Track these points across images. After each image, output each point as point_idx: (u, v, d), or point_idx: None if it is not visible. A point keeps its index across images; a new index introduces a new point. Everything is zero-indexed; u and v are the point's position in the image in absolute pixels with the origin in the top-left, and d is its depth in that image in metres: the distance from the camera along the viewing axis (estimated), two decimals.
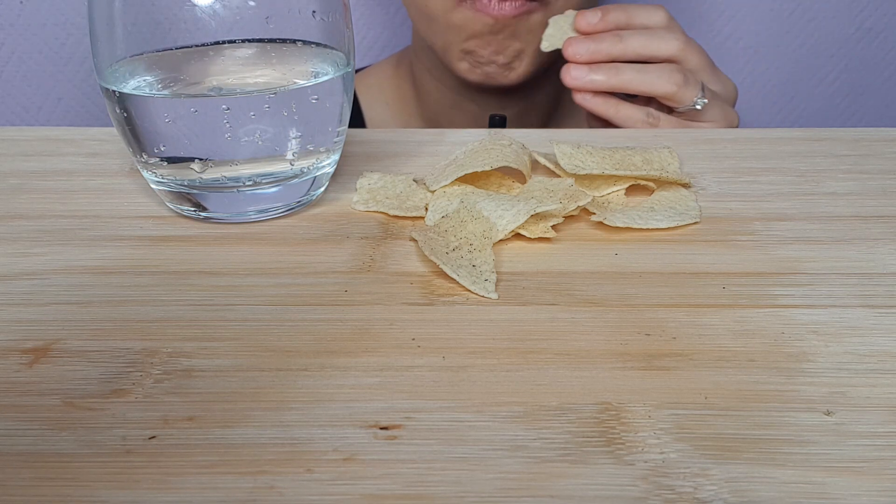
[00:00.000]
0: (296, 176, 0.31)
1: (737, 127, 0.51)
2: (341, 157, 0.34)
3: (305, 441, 0.20)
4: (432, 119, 0.67)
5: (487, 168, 0.32)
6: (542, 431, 0.20)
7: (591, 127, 0.54)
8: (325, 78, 0.30)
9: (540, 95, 0.64)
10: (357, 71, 0.71)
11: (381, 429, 0.20)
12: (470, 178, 0.33)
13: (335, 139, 0.32)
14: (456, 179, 0.33)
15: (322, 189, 0.34)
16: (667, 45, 0.48)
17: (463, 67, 0.57)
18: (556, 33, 0.50)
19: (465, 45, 0.56)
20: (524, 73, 0.57)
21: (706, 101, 0.48)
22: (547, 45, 0.51)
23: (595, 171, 0.33)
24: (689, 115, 0.50)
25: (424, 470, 0.19)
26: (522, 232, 0.30)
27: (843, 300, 0.26)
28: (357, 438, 0.20)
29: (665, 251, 0.29)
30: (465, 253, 0.28)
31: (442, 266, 0.27)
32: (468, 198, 0.31)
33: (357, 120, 0.68)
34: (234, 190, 0.30)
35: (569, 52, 0.48)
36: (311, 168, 0.32)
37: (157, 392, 0.22)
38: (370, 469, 0.19)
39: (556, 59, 0.57)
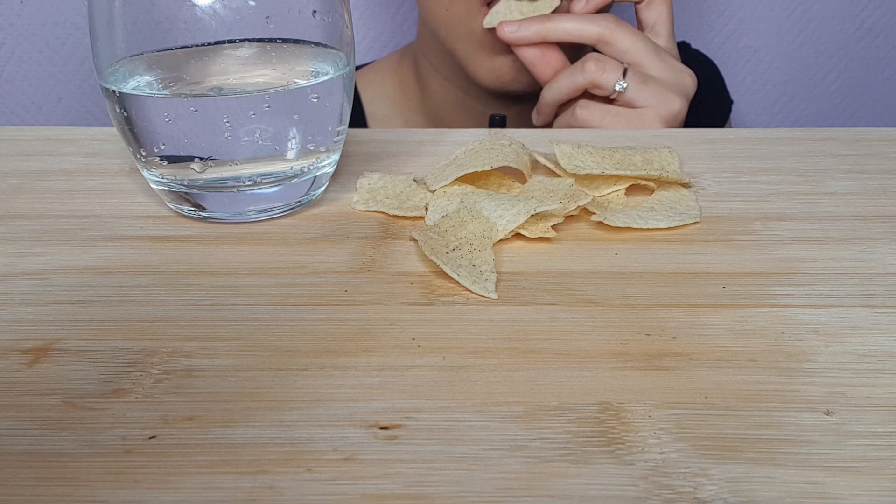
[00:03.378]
0: (296, 176, 0.31)
1: (678, 115, 0.50)
2: (341, 156, 0.34)
3: (305, 441, 0.20)
4: (435, 116, 0.67)
5: (487, 168, 0.32)
6: (542, 431, 0.20)
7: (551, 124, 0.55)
8: (325, 78, 0.30)
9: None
10: (358, 67, 0.71)
11: (381, 429, 0.20)
12: (470, 178, 0.33)
13: (335, 139, 0.32)
14: (456, 179, 0.33)
15: (322, 189, 0.34)
16: (595, 27, 0.49)
17: (484, 78, 0.58)
18: (503, 10, 0.52)
19: (491, 64, 0.56)
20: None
21: (626, 84, 0.49)
22: (488, 21, 0.52)
23: (595, 171, 0.33)
24: (620, 101, 0.50)
25: (424, 470, 0.19)
26: (522, 232, 0.30)
27: (844, 300, 0.26)
28: (357, 438, 0.20)
29: (665, 251, 0.29)
30: (465, 253, 0.28)
31: (442, 266, 0.27)
32: (468, 198, 0.31)
33: (358, 116, 0.68)
34: (234, 190, 0.31)
35: (500, 31, 0.51)
36: (311, 168, 0.32)
37: (157, 392, 0.22)
38: (370, 469, 0.19)
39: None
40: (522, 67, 0.55)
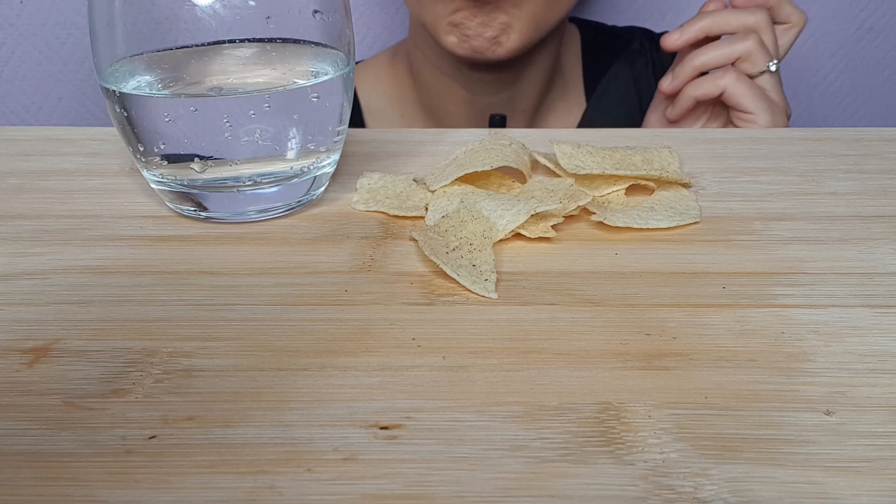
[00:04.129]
0: (296, 176, 0.31)
1: (787, 118, 0.55)
2: (341, 156, 0.34)
3: (305, 441, 0.20)
4: (429, 106, 0.69)
5: (487, 168, 0.32)
6: (542, 431, 0.20)
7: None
8: (325, 78, 0.30)
9: (527, 85, 0.66)
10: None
11: (381, 429, 0.20)
12: (470, 178, 0.33)
13: (335, 139, 0.32)
14: (456, 179, 0.33)
15: (322, 189, 0.34)
16: (753, 18, 0.54)
17: (451, 42, 0.59)
18: None
19: (453, 18, 0.57)
20: (512, 49, 0.58)
21: (775, 66, 0.53)
22: None
23: (595, 171, 0.33)
24: (760, 81, 0.54)
25: (424, 470, 0.19)
26: (522, 232, 0.30)
27: (844, 300, 0.26)
28: (357, 438, 0.20)
29: (665, 251, 0.29)
30: (466, 253, 0.28)
31: (442, 266, 0.27)
32: (468, 197, 0.31)
33: (355, 110, 0.69)
34: (235, 190, 0.31)
35: (665, 42, 0.56)
36: (312, 168, 0.32)
37: (158, 392, 0.22)
38: (370, 469, 0.19)
39: (546, 38, 0.59)
40: (484, 20, 0.56)
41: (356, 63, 0.73)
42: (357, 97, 0.70)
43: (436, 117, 0.69)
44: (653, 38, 0.73)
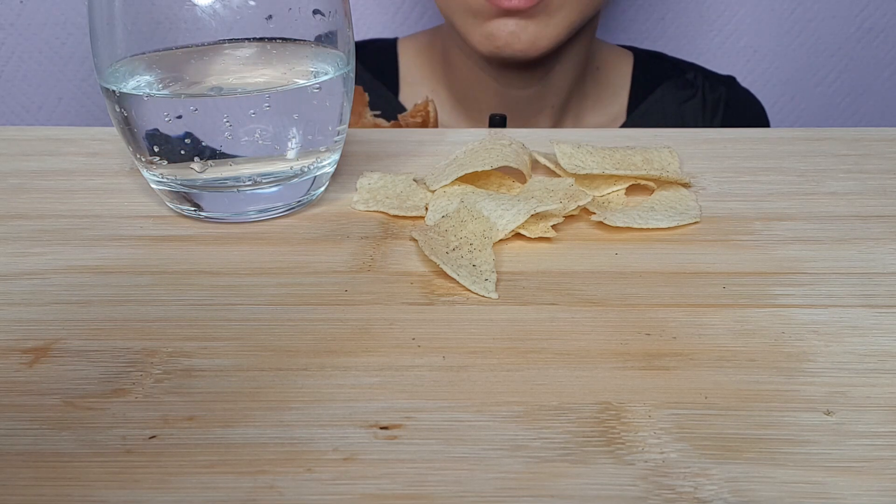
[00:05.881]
0: (296, 175, 0.31)
1: None
2: (341, 156, 0.34)
3: (305, 441, 0.20)
4: (458, 92, 0.70)
5: (488, 168, 0.32)
6: (542, 431, 0.20)
7: None
8: (325, 77, 0.30)
9: (556, 79, 0.66)
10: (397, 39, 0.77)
11: (381, 429, 0.20)
12: (470, 178, 0.33)
13: (335, 139, 0.32)
14: (456, 179, 0.33)
15: (322, 189, 0.34)
16: None
17: (478, 44, 0.60)
18: None
19: (483, 29, 0.59)
20: (543, 49, 0.60)
21: None
22: None
23: (595, 171, 0.33)
24: None
25: (424, 470, 0.19)
26: (522, 232, 0.30)
27: (844, 300, 0.26)
28: (357, 438, 0.20)
29: (665, 251, 0.29)
30: (466, 252, 0.28)
31: (442, 266, 0.27)
32: (468, 197, 0.31)
33: (393, 76, 0.72)
34: (234, 190, 0.31)
35: None
36: (312, 168, 0.32)
37: (158, 392, 0.22)
38: (370, 469, 0.19)
39: (577, 35, 0.60)
40: (514, 31, 0.57)
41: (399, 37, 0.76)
42: (398, 64, 0.73)
43: (464, 103, 0.70)
44: (707, 75, 0.73)
